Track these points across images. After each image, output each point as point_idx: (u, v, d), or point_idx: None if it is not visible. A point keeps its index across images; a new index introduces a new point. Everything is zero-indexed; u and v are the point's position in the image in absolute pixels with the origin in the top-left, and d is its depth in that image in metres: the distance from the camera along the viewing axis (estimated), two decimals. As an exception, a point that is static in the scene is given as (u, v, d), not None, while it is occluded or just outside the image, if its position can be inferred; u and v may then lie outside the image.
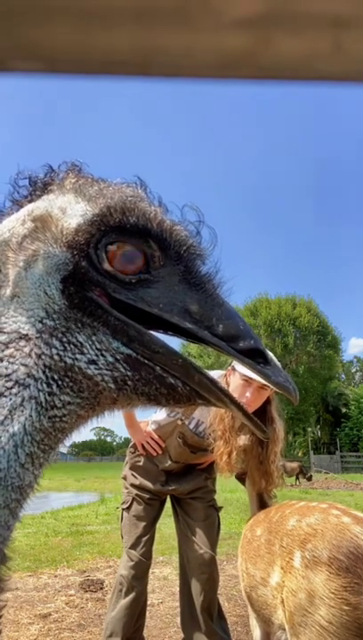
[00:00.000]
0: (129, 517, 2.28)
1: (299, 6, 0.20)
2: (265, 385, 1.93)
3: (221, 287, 0.64)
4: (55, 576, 4.17)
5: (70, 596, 3.59)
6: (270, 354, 0.64)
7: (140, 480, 2.30)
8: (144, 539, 2.23)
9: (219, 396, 0.61)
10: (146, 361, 0.59)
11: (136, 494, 2.29)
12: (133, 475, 2.34)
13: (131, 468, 2.37)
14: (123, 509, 2.34)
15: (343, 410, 35.55)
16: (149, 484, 2.28)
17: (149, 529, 2.27)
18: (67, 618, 3.12)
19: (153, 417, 2.36)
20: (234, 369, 2.04)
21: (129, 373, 0.59)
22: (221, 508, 2.40)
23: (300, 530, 1.49)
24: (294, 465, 17.25)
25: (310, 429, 35.30)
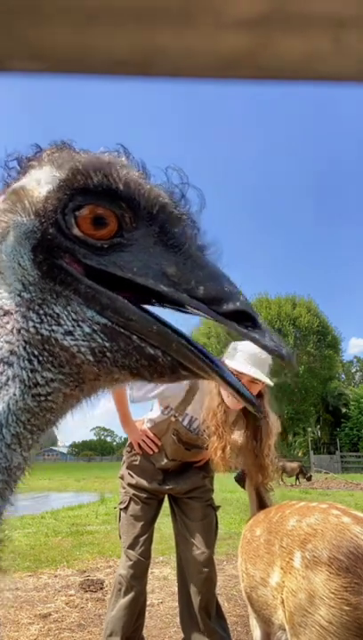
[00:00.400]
0: (127, 517, 2.28)
1: (299, 6, 0.20)
2: (256, 379, 1.98)
3: (204, 249, 0.59)
4: (55, 576, 4.17)
5: (70, 596, 3.59)
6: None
7: (136, 479, 2.30)
8: (142, 538, 2.22)
9: (200, 365, 0.56)
10: (122, 330, 0.56)
11: (133, 494, 2.28)
12: (129, 474, 2.33)
13: (128, 468, 2.36)
14: (120, 509, 2.33)
15: (343, 410, 35.53)
16: (145, 483, 2.28)
17: (147, 528, 2.26)
18: (67, 618, 3.12)
19: (148, 415, 2.37)
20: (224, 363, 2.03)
21: (107, 344, 0.56)
22: (218, 507, 2.39)
23: (300, 530, 1.48)
24: (294, 465, 17.24)
25: (310, 429, 35.29)
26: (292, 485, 15.94)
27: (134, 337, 0.56)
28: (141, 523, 2.25)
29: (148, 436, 2.29)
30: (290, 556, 1.46)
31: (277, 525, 1.63)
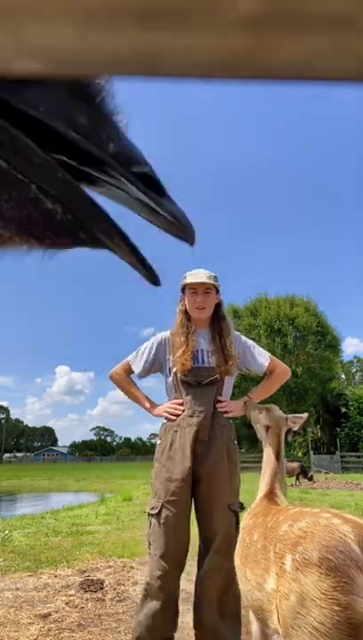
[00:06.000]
0: (159, 525, 2.24)
1: (299, 6, 0.20)
2: (208, 288, 2.39)
3: (117, 110, 0.50)
4: (55, 576, 4.17)
5: (70, 596, 3.59)
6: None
7: (168, 469, 2.27)
8: (175, 547, 2.22)
9: (105, 228, 0.48)
10: (20, 176, 0.46)
11: (166, 500, 2.24)
12: (162, 467, 2.30)
13: (158, 463, 2.34)
14: (151, 515, 2.29)
15: (343, 410, 35.56)
16: (176, 470, 2.25)
17: (182, 536, 2.25)
18: (67, 618, 3.12)
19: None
20: (182, 291, 2.47)
21: None
22: (243, 507, 2.33)
23: (291, 534, 1.49)
24: (295, 465, 17.23)
25: (310, 429, 35.32)
26: (292, 485, 15.94)
27: (33, 186, 0.47)
28: (175, 530, 2.23)
29: (171, 404, 2.39)
30: (282, 561, 1.47)
31: (271, 531, 1.64)
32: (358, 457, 28.65)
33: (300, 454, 32.99)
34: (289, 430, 2.18)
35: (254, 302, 33.11)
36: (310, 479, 17.20)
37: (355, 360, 56.52)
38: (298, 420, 2.19)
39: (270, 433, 2.14)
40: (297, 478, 16.96)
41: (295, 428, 2.21)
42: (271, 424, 2.14)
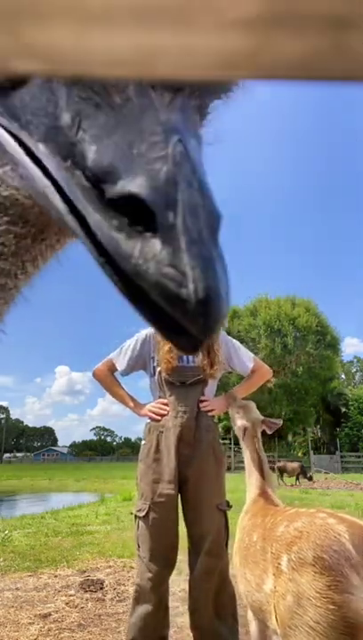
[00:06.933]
0: (146, 527, 2.22)
1: (299, 6, 0.20)
2: None
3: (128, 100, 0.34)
4: (55, 576, 4.17)
5: (70, 596, 3.59)
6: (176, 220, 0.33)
7: (154, 471, 2.25)
8: (163, 549, 2.20)
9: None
10: None
11: (153, 502, 2.22)
12: (147, 470, 2.28)
13: (143, 463, 2.32)
14: (138, 517, 2.26)
15: (343, 410, 35.57)
16: (163, 472, 2.23)
17: (170, 537, 2.23)
18: (67, 618, 3.12)
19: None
20: None
21: None
22: (230, 506, 2.33)
23: (287, 534, 1.51)
24: (295, 465, 17.23)
25: (309, 429, 35.32)
26: (292, 485, 15.94)
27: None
28: (163, 532, 2.21)
29: (155, 404, 2.36)
30: (278, 561, 1.48)
31: (269, 532, 1.66)
32: (358, 457, 28.66)
33: (300, 454, 33.00)
34: (282, 430, 2.22)
35: (254, 302, 33.06)
36: (310, 479, 17.19)
37: (355, 360, 56.56)
38: (273, 425, 2.22)
39: (247, 435, 2.18)
40: (297, 478, 16.96)
41: (269, 432, 2.24)
42: (248, 426, 2.18)
